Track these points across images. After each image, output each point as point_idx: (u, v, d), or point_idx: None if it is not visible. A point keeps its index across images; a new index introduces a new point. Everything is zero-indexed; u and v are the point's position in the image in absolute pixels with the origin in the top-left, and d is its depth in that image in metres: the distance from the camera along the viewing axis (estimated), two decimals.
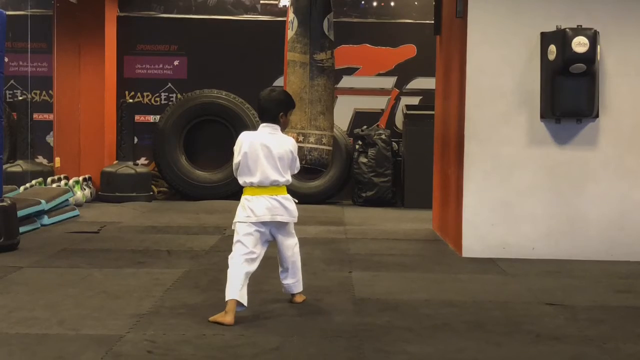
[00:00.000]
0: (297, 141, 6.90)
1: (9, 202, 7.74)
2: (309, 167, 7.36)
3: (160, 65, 13.08)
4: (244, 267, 5.16)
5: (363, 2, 13.10)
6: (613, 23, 7.63)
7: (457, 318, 5.28)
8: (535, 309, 5.62)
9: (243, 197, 5.32)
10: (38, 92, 12.38)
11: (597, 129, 7.68)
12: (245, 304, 5.12)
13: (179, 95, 12.89)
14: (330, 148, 7.50)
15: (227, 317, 5.02)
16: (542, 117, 7.65)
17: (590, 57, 7.35)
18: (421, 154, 11.21)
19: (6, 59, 8.72)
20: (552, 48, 7.45)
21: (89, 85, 12.43)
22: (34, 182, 10.61)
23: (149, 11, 13.10)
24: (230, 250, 5.30)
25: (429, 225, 9.78)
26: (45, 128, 12.31)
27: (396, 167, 12.39)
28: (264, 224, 5.27)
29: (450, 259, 7.61)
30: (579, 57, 7.33)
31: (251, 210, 5.23)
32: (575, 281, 6.64)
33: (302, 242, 8.44)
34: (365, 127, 12.50)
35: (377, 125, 12.83)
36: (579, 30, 7.36)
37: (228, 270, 5.20)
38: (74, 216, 10.05)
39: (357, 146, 12.36)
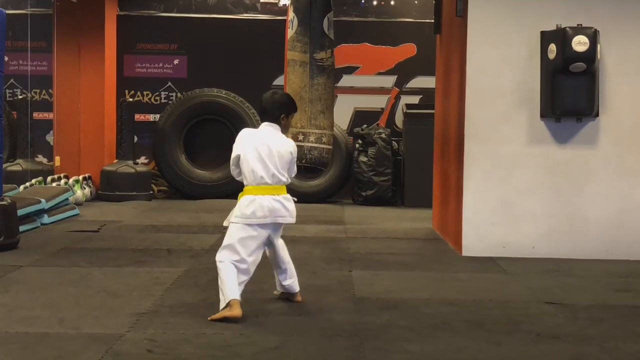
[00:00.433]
0: (297, 140, 6.90)
1: (9, 201, 7.74)
2: (309, 166, 7.34)
3: (160, 64, 13.07)
4: (234, 270, 5.08)
5: (363, 1, 13.09)
6: (613, 22, 7.62)
7: (457, 317, 5.28)
8: (535, 308, 5.62)
9: (243, 196, 5.19)
10: (38, 91, 12.36)
11: (597, 128, 7.67)
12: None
13: (179, 94, 12.88)
14: (330, 147, 7.48)
15: (235, 311, 4.97)
16: (542, 116, 7.64)
17: (590, 56, 7.35)
18: (421, 153, 11.21)
19: (6, 58, 8.70)
20: (552, 47, 7.44)
21: (88, 84, 12.42)
22: (34, 181, 10.60)
23: (149, 10, 13.09)
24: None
25: (429, 224, 9.78)
26: (45, 127, 12.29)
27: (396, 166, 12.37)
28: (264, 225, 5.19)
29: (450, 258, 7.61)
30: (579, 56, 7.33)
31: (252, 211, 5.13)
32: (575, 280, 6.64)
33: (302, 241, 8.45)
34: (365, 126, 12.49)
35: (377, 124, 12.81)
36: (579, 29, 7.36)
37: (219, 275, 5.11)
38: (73, 215, 10.05)
39: (357, 145, 12.35)
